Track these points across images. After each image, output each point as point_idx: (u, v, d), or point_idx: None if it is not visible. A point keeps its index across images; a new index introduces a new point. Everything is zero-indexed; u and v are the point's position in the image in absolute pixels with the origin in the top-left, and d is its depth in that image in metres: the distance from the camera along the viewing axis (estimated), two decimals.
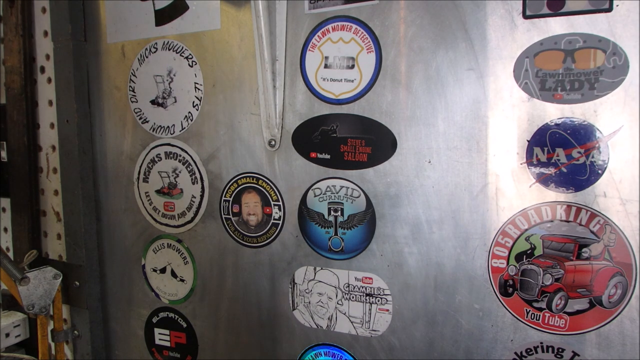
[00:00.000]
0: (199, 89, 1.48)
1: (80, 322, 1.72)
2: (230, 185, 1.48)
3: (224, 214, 1.50)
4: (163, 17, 1.51)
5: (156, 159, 1.59)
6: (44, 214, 1.79)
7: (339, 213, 1.34)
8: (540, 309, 1.15)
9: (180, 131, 1.53)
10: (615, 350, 1.10)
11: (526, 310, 1.17)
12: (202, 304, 1.59)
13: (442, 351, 1.27)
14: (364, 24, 1.26)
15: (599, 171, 1.07)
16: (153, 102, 1.56)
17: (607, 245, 1.08)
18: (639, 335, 1.08)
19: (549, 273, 1.13)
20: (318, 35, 1.31)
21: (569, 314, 1.13)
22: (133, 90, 1.59)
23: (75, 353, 1.77)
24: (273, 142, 1.39)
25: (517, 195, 1.15)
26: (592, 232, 1.09)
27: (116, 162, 1.66)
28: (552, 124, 1.10)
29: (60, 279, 1.60)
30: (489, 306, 1.21)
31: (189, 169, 1.54)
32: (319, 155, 1.35)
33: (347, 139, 1.31)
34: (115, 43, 1.60)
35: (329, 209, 1.35)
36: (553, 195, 1.12)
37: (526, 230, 1.15)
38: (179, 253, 1.61)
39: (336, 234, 1.35)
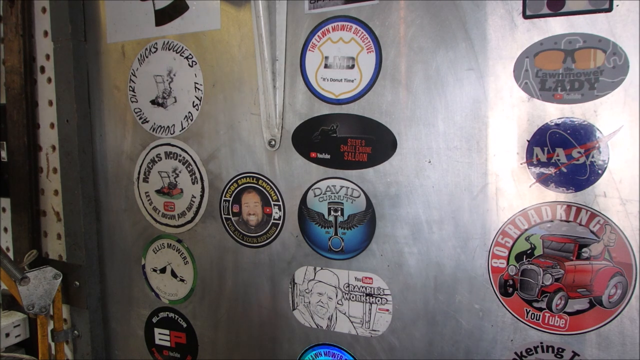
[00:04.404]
0: (199, 89, 1.48)
1: (80, 322, 1.72)
2: (230, 185, 1.48)
3: (224, 214, 1.50)
4: (163, 17, 1.51)
5: (156, 159, 1.59)
6: (44, 214, 1.79)
7: (339, 213, 1.34)
8: (540, 309, 1.15)
9: (180, 131, 1.53)
10: (615, 350, 1.10)
11: (526, 310, 1.17)
12: (202, 304, 1.59)
13: (442, 351, 1.27)
14: (364, 24, 1.26)
15: (599, 171, 1.07)
16: (153, 102, 1.56)
17: (607, 245, 1.08)
18: (639, 335, 1.08)
19: (549, 273, 1.13)
20: (318, 35, 1.31)
21: (569, 314, 1.13)
22: (133, 90, 1.59)
23: (75, 353, 1.77)
24: (273, 142, 1.39)
25: (517, 195, 1.15)
26: (592, 232, 1.09)
27: (116, 162, 1.66)
28: (552, 124, 1.10)
29: (60, 279, 1.60)
30: (489, 306, 1.21)
31: (189, 169, 1.54)
32: (319, 155, 1.35)
33: (347, 139, 1.31)
34: (115, 43, 1.60)
35: (329, 209, 1.35)
36: (553, 195, 1.11)
37: (526, 230, 1.15)
38: (179, 253, 1.61)
39: (336, 234, 1.35)
